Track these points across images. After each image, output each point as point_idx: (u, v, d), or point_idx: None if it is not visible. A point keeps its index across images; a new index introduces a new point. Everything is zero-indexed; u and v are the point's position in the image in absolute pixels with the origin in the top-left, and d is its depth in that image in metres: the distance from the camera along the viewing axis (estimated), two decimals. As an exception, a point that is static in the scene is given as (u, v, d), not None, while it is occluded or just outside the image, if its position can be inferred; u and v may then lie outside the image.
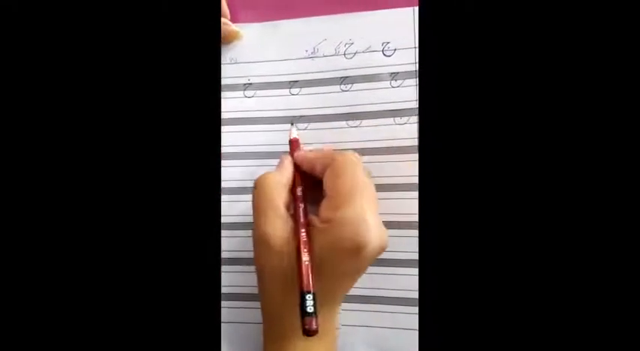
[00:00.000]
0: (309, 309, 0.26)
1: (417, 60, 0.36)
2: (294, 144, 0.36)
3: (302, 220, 0.30)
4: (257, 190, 0.31)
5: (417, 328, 0.34)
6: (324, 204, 0.30)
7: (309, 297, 0.27)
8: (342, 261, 0.29)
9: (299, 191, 0.32)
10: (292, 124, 0.37)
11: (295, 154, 0.34)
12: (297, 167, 0.34)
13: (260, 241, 0.30)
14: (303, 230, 0.30)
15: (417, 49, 0.36)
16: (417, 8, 0.36)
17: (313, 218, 0.30)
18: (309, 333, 0.26)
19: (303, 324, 0.26)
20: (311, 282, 0.28)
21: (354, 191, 0.29)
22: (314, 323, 0.26)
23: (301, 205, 0.31)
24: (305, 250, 0.29)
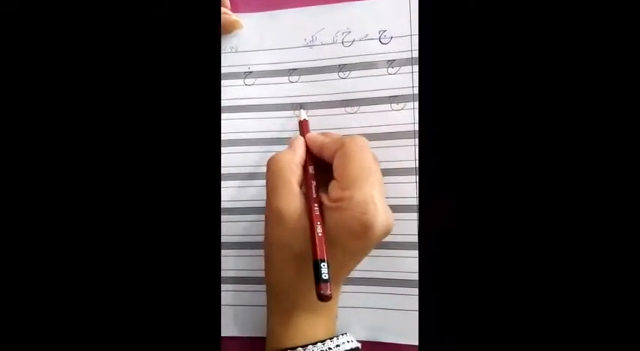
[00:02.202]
0: (325, 276, 0.27)
1: (413, 47, 0.37)
2: (304, 125, 0.37)
3: (314, 196, 0.31)
4: (271, 169, 0.32)
5: (417, 309, 0.35)
6: (334, 184, 0.31)
7: (323, 265, 0.28)
8: (349, 240, 0.29)
9: (311, 169, 0.33)
10: (301, 107, 0.38)
11: (307, 135, 0.35)
12: (308, 147, 0.34)
13: (273, 216, 0.31)
14: (315, 205, 0.31)
15: (413, 37, 0.37)
16: (413, -3, 0.37)
17: (323, 196, 0.31)
18: (323, 298, 0.27)
19: (318, 289, 0.27)
20: (325, 251, 0.29)
21: (363, 174, 0.30)
22: (329, 289, 0.27)
23: (313, 183, 0.32)
24: (318, 223, 0.30)
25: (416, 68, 0.36)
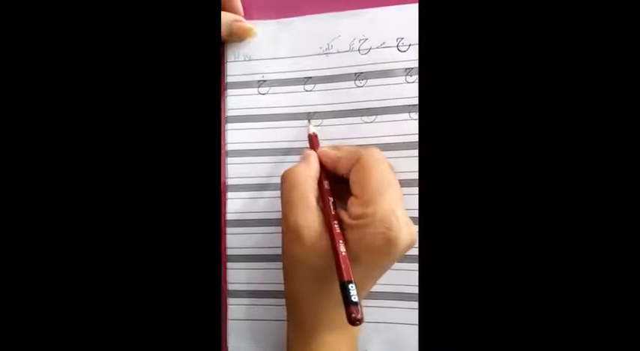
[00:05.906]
0: (354, 298, 0.27)
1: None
2: (313, 139, 0.36)
3: (333, 212, 0.30)
4: (287, 184, 0.31)
5: (417, 322, 0.34)
6: (353, 201, 0.30)
7: (351, 286, 0.27)
8: (373, 256, 0.29)
9: (326, 184, 0.32)
10: (309, 119, 0.37)
11: (319, 150, 0.34)
12: (321, 161, 0.34)
13: (291, 232, 0.30)
14: (335, 222, 0.30)
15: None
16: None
17: (342, 213, 0.30)
18: (355, 322, 0.26)
19: (349, 313, 0.26)
20: (351, 272, 0.28)
21: (383, 187, 0.29)
22: (360, 311, 0.26)
23: (330, 199, 0.31)
24: (341, 241, 0.29)
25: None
